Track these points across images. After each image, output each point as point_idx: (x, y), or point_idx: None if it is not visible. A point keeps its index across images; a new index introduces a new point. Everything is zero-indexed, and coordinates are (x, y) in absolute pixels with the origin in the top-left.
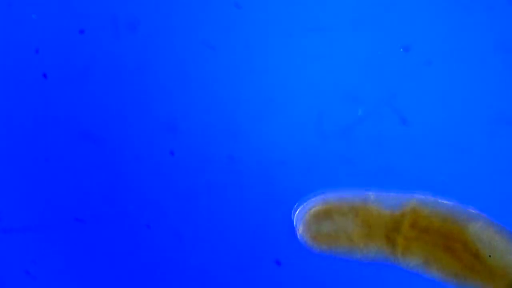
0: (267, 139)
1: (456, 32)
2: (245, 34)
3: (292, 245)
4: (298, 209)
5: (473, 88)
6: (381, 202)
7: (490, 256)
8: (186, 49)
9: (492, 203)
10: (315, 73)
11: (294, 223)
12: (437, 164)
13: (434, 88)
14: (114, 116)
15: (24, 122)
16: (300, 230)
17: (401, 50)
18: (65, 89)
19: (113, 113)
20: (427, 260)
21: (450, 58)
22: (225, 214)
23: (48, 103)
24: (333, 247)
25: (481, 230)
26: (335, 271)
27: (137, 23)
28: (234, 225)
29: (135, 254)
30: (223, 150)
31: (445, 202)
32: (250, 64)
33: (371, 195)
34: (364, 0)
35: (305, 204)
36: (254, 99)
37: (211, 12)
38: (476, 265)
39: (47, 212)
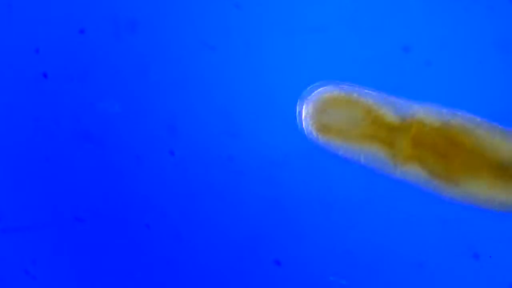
0: (267, 139)
1: (456, 32)
2: (245, 34)
3: (292, 245)
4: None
5: (473, 88)
6: (392, 106)
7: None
8: (186, 49)
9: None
10: (315, 73)
11: (302, 110)
12: None
13: (434, 88)
14: (114, 116)
15: (24, 122)
16: (309, 113)
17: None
18: (65, 89)
19: (113, 113)
20: (430, 170)
21: (450, 58)
22: (225, 214)
23: (48, 103)
24: (337, 139)
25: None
26: (335, 271)
27: (137, 23)
28: (234, 225)
29: (135, 254)
30: (223, 150)
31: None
32: (250, 64)
33: (383, 97)
34: (364, 0)
35: (317, 90)
36: (254, 99)
37: (211, 12)
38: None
39: (46, 211)
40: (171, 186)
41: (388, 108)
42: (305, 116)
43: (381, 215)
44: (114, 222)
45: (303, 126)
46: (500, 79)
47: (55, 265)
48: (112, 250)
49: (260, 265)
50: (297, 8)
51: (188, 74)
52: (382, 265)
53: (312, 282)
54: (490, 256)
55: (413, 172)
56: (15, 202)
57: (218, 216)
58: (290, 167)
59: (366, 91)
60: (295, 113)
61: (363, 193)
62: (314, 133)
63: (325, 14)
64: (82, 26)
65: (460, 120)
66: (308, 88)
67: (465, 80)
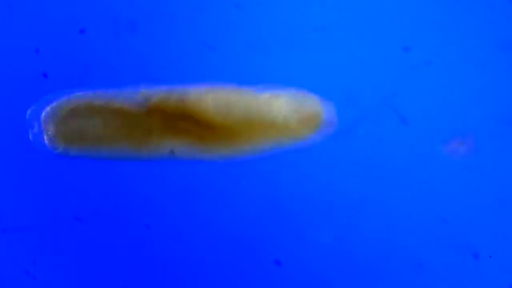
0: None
1: (456, 32)
2: (245, 34)
3: (292, 245)
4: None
5: (473, 88)
6: (126, 99)
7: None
8: (186, 49)
9: (493, 203)
10: (315, 73)
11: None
12: (437, 164)
13: (434, 88)
14: None
15: (24, 121)
16: (46, 129)
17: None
18: (65, 89)
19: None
20: (177, 145)
21: (450, 58)
22: (225, 214)
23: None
24: (79, 144)
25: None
26: (335, 271)
27: (137, 23)
28: (234, 225)
29: (135, 254)
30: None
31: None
32: (250, 64)
33: (122, 93)
34: (364, 0)
35: (48, 106)
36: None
37: (211, 12)
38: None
39: (46, 211)
40: (171, 186)
41: (123, 101)
42: (50, 132)
43: (381, 215)
44: (114, 222)
45: (48, 141)
46: (500, 79)
47: (55, 265)
48: (112, 250)
49: (260, 265)
50: (297, 8)
51: (188, 74)
52: (382, 265)
53: (312, 282)
54: (490, 256)
55: (170, 145)
56: (15, 202)
57: (218, 216)
58: (290, 167)
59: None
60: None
61: (363, 193)
62: (61, 144)
63: (325, 14)
64: (82, 26)
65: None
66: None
67: (465, 80)
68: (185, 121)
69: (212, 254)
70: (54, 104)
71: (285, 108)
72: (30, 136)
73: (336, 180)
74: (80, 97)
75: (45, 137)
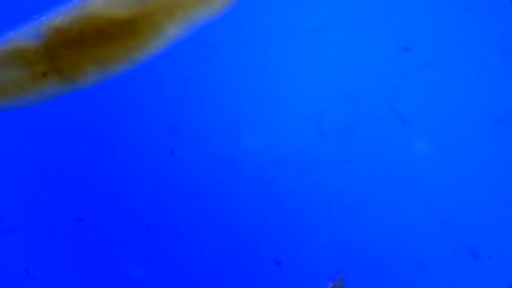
0: (267, 139)
1: (456, 32)
2: (246, 34)
3: (292, 245)
4: None
5: (473, 88)
6: (24, 35)
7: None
8: (186, 49)
9: (492, 203)
10: (315, 73)
11: None
12: (436, 164)
13: (434, 88)
14: (114, 115)
15: (24, 121)
16: None
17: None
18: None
19: (113, 112)
20: (93, 64)
21: (450, 58)
22: (225, 214)
23: (48, 103)
24: (3, 98)
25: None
26: (335, 271)
27: None
28: (234, 225)
29: (135, 253)
30: (223, 150)
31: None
32: (251, 64)
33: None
34: (364, 0)
35: None
36: (254, 99)
37: None
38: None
39: (47, 211)
40: (171, 186)
41: (23, 42)
42: None
43: (381, 215)
44: (114, 222)
45: None
46: (500, 79)
47: (55, 265)
48: (112, 250)
49: (260, 265)
50: (297, 8)
51: (189, 74)
52: (382, 264)
53: (312, 282)
54: (490, 256)
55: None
56: (15, 202)
57: (218, 216)
58: (291, 167)
59: None
60: (295, 112)
61: (363, 193)
62: None
63: (326, 14)
64: None
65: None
66: None
67: (465, 80)
68: (87, 38)
69: (212, 254)
70: None
71: None
72: None
73: (336, 180)
74: None
75: None
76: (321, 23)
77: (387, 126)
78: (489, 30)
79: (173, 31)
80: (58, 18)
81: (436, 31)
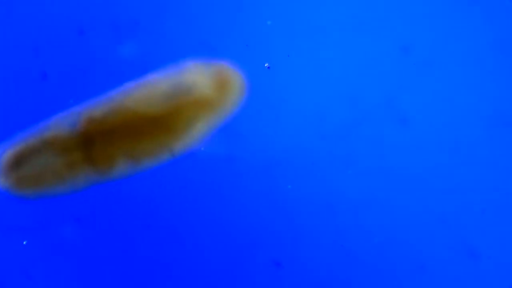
0: (267, 139)
1: (456, 32)
2: (246, 34)
3: (292, 246)
4: None
5: (473, 88)
6: (61, 124)
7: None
8: (186, 49)
9: (492, 203)
10: (315, 73)
11: None
12: (436, 164)
13: (434, 88)
14: None
15: (24, 121)
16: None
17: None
18: (65, 89)
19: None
20: (125, 156)
21: (450, 58)
22: (225, 214)
23: (48, 103)
24: (39, 186)
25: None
26: (335, 272)
27: (137, 23)
28: (234, 225)
29: (135, 253)
30: (224, 150)
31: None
32: (251, 64)
33: (49, 123)
34: (364, 0)
35: None
36: (254, 99)
37: (212, 11)
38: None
39: (46, 211)
40: (171, 185)
41: (61, 128)
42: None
43: (381, 215)
44: (114, 222)
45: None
46: (500, 79)
47: (55, 265)
48: (113, 250)
49: (260, 266)
50: (297, 8)
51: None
52: (382, 265)
53: (312, 282)
54: (490, 256)
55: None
56: (15, 202)
57: (218, 216)
58: (290, 167)
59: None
60: (295, 112)
61: (363, 193)
62: (14, 187)
63: (326, 14)
64: (81, 27)
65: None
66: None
67: (465, 80)
68: (122, 131)
69: (213, 255)
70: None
71: (200, 79)
72: None
73: (336, 180)
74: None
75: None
76: (321, 23)
77: (387, 126)
78: (489, 30)
79: (203, 127)
80: (95, 109)
81: (436, 31)
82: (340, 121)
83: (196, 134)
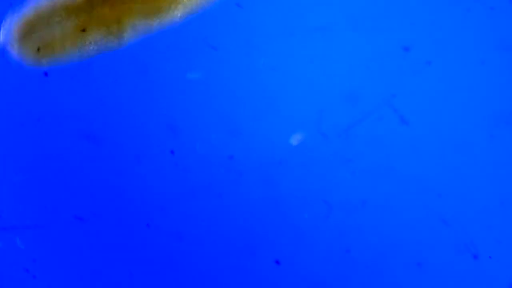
0: (267, 139)
1: (456, 32)
2: (247, 33)
3: (292, 245)
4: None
5: (473, 88)
6: None
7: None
8: (187, 49)
9: (492, 203)
10: (315, 73)
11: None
12: (437, 164)
13: (434, 88)
14: (114, 115)
15: (24, 121)
16: (15, 45)
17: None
18: (66, 88)
19: (114, 112)
20: (132, 18)
21: (450, 58)
22: (225, 214)
23: (48, 102)
24: (52, 53)
25: None
26: (334, 271)
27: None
28: (234, 225)
29: (135, 253)
30: (223, 150)
31: None
32: (251, 64)
33: None
34: (364, 0)
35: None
36: (254, 99)
37: (213, 11)
38: None
39: (47, 210)
40: (171, 186)
41: None
42: (14, 46)
43: (381, 215)
44: (114, 221)
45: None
46: (500, 79)
47: (55, 264)
48: (113, 250)
49: (260, 265)
50: (298, 8)
51: (189, 73)
52: (382, 265)
53: (311, 282)
54: (490, 256)
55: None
56: (15, 201)
57: (218, 216)
58: (290, 167)
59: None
60: (295, 112)
61: (363, 193)
62: (35, 56)
63: (326, 14)
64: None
65: None
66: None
67: (465, 80)
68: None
69: (212, 254)
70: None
71: None
72: None
73: (336, 180)
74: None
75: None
76: (321, 23)
77: (387, 126)
78: (489, 30)
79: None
80: None
81: (436, 31)
82: (341, 121)
83: None
